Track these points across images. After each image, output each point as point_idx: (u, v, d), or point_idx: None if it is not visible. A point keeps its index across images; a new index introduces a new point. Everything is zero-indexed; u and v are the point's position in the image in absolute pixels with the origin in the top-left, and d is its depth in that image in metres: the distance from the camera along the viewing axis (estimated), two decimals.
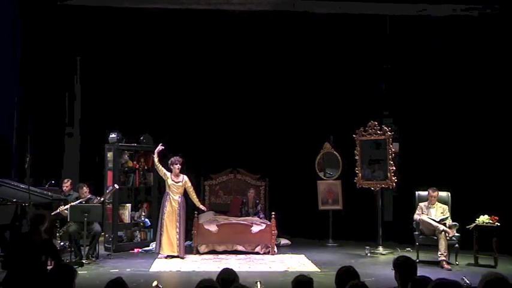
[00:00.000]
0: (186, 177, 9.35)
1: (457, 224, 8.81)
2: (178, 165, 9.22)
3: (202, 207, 9.53)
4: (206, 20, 10.87)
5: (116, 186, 9.57)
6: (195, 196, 9.46)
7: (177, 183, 9.21)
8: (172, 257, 8.99)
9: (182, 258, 9.01)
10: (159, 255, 9.04)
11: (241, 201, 10.73)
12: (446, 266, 8.35)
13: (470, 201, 9.49)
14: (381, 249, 9.72)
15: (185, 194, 9.38)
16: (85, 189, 9.06)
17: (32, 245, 5.27)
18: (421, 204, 9.08)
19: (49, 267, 5.56)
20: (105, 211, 9.62)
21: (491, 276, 3.34)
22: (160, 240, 9.08)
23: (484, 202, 9.29)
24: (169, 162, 9.28)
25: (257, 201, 10.64)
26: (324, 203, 11.01)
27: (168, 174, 9.25)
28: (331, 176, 11.14)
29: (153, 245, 10.03)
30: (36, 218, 5.62)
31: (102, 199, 9.21)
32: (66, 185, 9.38)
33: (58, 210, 8.68)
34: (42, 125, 10.91)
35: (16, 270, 5.16)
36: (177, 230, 9.07)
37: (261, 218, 10.21)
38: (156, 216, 10.44)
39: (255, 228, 9.62)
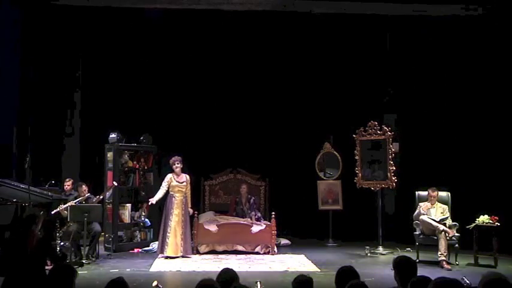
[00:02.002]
0: (188, 177, 9.36)
1: (457, 224, 8.82)
2: (178, 163, 9.19)
3: (191, 210, 9.38)
4: (206, 20, 10.87)
5: (115, 183, 9.58)
6: (189, 198, 9.40)
7: (181, 183, 9.20)
8: (173, 257, 8.96)
9: (189, 257, 9.01)
10: (160, 255, 9.02)
11: (235, 200, 10.62)
12: (446, 266, 8.35)
13: (470, 201, 9.48)
14: (381, 249, 9.72)
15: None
16: (84, 187, 9.06)
17: (27, 247, 5.22)
18: (421, 204, 9.08)
19: (48, 267, 5.54)
20: (105, 211, 9.63)
21: (491, 276, 3.34)
22: (165, 242, 8.99)
23: (484, 202, 9.28)
24: (170, 163, 9.27)
25: (249, 196, 10.42)
26: (324, 203, 11.01)
27: (169, 176, 9.23)
28: (331, 176, 11.15)
29: (153, 245, 10.03)
30: (28, 218, 5.55)
31: (101, 197, 9.21)
32: (68, 184, 9.39)
33: (58, 209, 8.69)
34: (42, 125, 10.92)
35: (13, 273, 5.13)
36: (183, 230, 9.06)
37: (256, 217, 10.13)
38: (156, 216, 10.45)
39: (255, 228, 9.62)
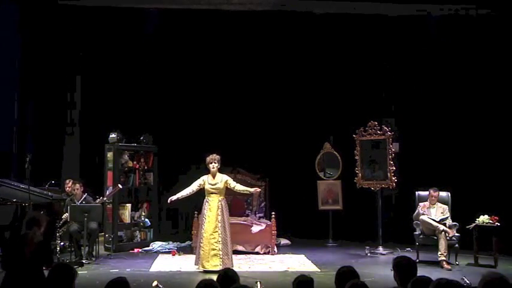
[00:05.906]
0: (224, 176, 8.24)
1: (457, 224, 8.82)
2: (214, 163, 8.11)
3: (252, 190, 8.43)
4: (206, 20, 10.87)
5: (120, 186, 9.56)
6: (243, 188, 8.34)
7: (214, 186, 8.11)
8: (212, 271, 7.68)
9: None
10: (195, 266, 8.16)
11: (246, 200, 10.65)
12: (446, 266, 8.35)
13: (470, 201, 9.48)
14: (381, 249, 9.72)
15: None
16: (77, 185, 9.03)
17: (25, 247, 5.20)
18: (421, 204, 9.08)
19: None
20: (105, 211, 9.62)
21: (491, 276, 3.34)
22: (199, 254, 8.06)
23: (484, 202, 9.28)
24: (206, 162, 8.23)
25: (261, 199, 10.56)
26: (324, 203, 11.02)
27: (204, 178, 8.18)
28: (331, 176, 11.15)
29: (153, 245, 10.04)
30: (31, 220, 5.54)
31: (105, 199, 9.19)
32: (69, 185, 9.38)
33: (64, 218, 8.72)
34: (42, 125, 10.92)
35: (13, 272, 5.12)
36: (219, 239, 7.96)
37: (258, 217, 10.16)
38: (156, 216, 10.48)
39: (255, 228, 9.63)
